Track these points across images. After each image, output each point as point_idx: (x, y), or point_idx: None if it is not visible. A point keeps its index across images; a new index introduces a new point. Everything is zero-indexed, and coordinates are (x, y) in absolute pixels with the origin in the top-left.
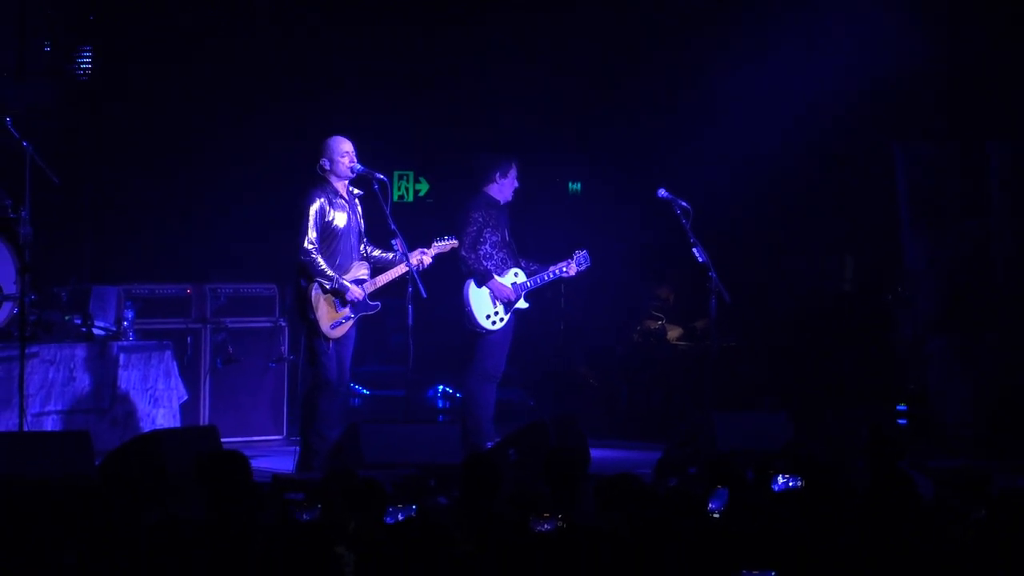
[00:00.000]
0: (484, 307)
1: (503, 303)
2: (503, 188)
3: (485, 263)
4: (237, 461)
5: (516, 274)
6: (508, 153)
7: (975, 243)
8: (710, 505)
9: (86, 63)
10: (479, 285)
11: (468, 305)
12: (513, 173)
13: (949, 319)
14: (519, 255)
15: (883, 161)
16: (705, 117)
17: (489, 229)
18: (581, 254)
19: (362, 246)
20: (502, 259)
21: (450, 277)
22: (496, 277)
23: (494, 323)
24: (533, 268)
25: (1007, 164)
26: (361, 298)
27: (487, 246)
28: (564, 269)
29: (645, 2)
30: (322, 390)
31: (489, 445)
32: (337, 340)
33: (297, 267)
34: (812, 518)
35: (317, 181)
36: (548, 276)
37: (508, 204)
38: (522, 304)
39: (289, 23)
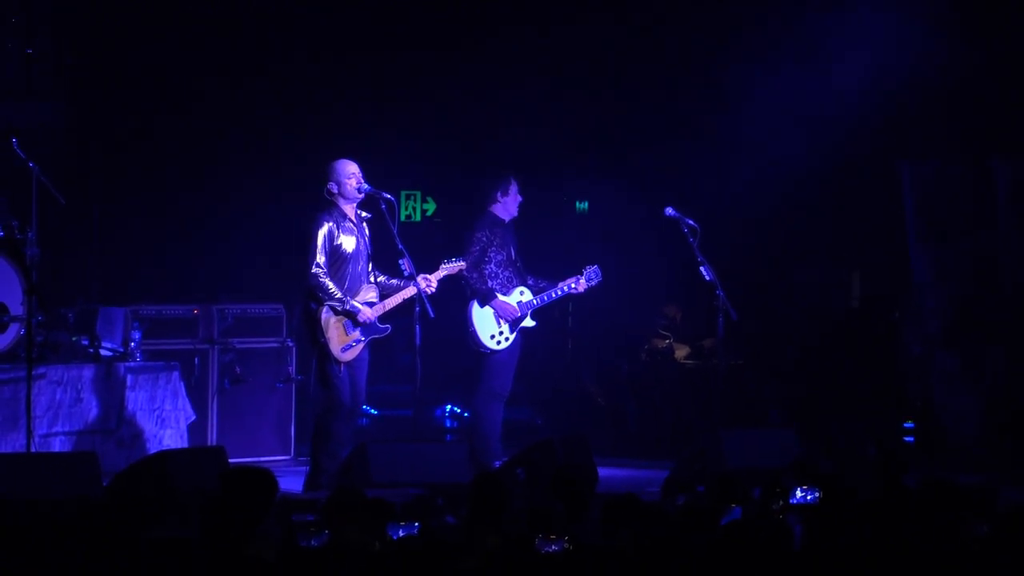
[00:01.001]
0: (488, 327)
1: (508, 322)
2: (507, 205)
3: (489, 282)
4: (266, 478)
5: (522, 292)
6: (506, 170)
7: (981, 259)
8: (722, 522)
9: (92, 83)
10: (482, 305)
11: (472, 325)
12: (514, 189)
13: (956, 334)
14: (527, 273)
15: (889, 178)
16: (712, 136)
17: (494, 248)
18: (592, 269)
19: (370, 269)
20: (507, 278)
21: (458, 297)
22: (500, 296)
23: (499, 343)
24: (541, 285)
25: (1013, 180)
26: (372, 319)
27: (492, 265)
28: (573, 285)
29: (651, 23)
30: (335, 413)
31: (497, 464)
32: (349, 363)
33: (306, 290)
34: (820, 532)
35: (325, 205)
36: (557, 293)
37: (514, 221)
38: (529, 322)
39: (298, 45)
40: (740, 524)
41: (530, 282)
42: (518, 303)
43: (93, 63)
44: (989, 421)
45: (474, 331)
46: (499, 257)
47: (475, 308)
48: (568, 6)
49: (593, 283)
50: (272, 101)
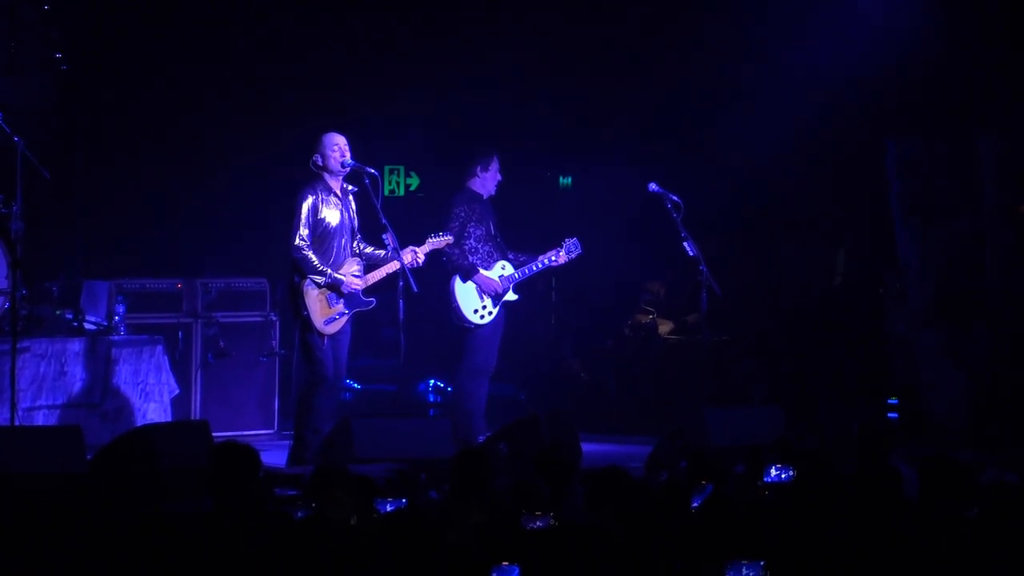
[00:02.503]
0: (471, 301)
1: (490, 296)
2: (485, 182)
3: (470, 257)
4: (250, 454)
5: (503, 267)
6: (488, 147)
7: (966, 238)
8: (693, 501)
9: (77, 58)
10: (464, 280)
11: (454, 300)
12: (495, 166)
13: (940, 313)
14: (508, 248)
15: (874, 155)
16: (695, 112)
17: (473, 223)
18: (571, 241)
19: (355, 243)
20: (487, 252)
21: (442, 272)
22: (482, 271)
23: (482, 317)
24: (522, 259)
25: (998, 159)
26: (357, 289)
27: (471, 240)
28: (554, 258)
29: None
30: (318, 386)
31: (480, 439)
32: (332, 336)
33: (290, 264)
34: (802, 510)
35: (310, 178)
36: (538, 266)
37: (492, 198)
38: (511, 296)
39: (279, 20)
40: (723, 500)
41: (511, 256)
42: (500, 277)
43: (78, 39)
44: (973, 400)
45: (457, 306)
46: (478, 232)
47: (457, 283)
48: None
49: (573, 255)
50: (256, 76)
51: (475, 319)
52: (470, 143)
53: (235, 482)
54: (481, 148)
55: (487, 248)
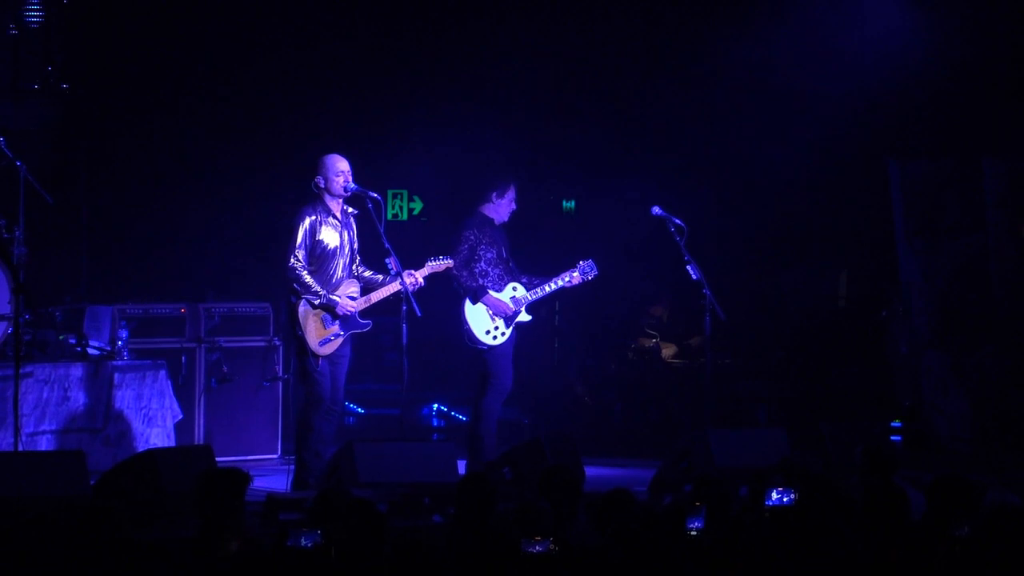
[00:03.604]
0: (482, 323)
1: (502, 318)
2: (499, 208)
3: (480, 280)
4: (233, 478)
5: (515, 288)
6: (507, 175)
7: (970, 259)
8: (689, 524)
9: (80, 83)
10: (474, 302)
11: (466, 323)
12: (511, 195)
13: (944, 334)
14: (520, 272)
15: (878, 177)
16: (700, 136)
17: (484, 246)
18: (586, 263)
19: (355, 265)
20: (498, 275)
21: (446, 296)
22: (491, 292)
23: (495, 338)
24: (536, 282)
25: (1002, 180)
26: (352, 312)
27: (482, 263)
28: (567, 279)
29: (637, 22)
30: (315, 408)
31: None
32: (330, 358)
33: (287, 285)
34: (806, 532)
35: (310, 198)
36: (551, 286)
37: (504, 225)
38: (524, 317)
39: (285, 44)
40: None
41: (523, 280)
42: (511, 299)
43: (81, 63)
44: (976, 420)
45: (468, 328)
46: (489, 255)
47: (467, 306)
48: (555, 5)
49: (588, 276)
50: (260, 100)
51: (488, 340)
52: (473, 167)
53: (218, 506)
54: (500, 175)
55: (498, 271)
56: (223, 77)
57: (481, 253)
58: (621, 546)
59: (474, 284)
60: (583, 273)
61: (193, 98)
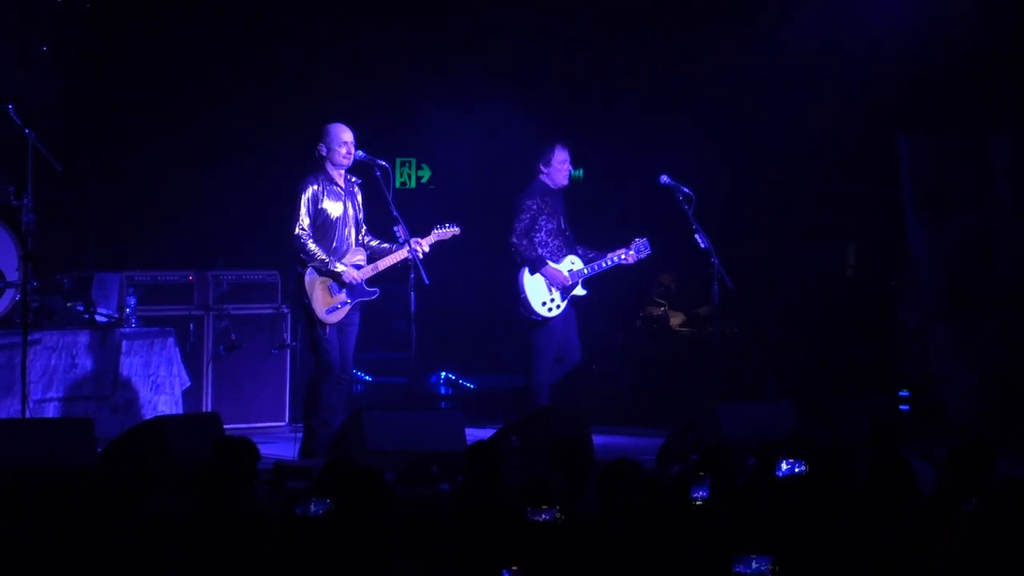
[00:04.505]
0: (540, 294)
1: (559, 289)
2: (552, 174)
3: (540, 250)
4: (246, 448)
5: (572, 261)
6: (549, 139)
7: (978, 232)
8: (694, 493)
9: (89, 52)
10: (532, 272)
11: (523, 292)
12: (557, 157)
13: (952, 307)
14: (576, 243)
15: (887, 151)
16: (708, 105)
17: (544, 216)
18: (641, 241)
19: (361, 235)
20: (557, 247)
21: (455, 264)
22: (550, 263)
23: (550, 309)
24: (591, 255)
25: (1010, 155)
26: (358, 280)
27: (542, 234)
28: (623, 256)
29: None
30: (324, 376)
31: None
32: (338, 327)
33: (294, 254)
34: (814, 505)
35: (313, 167)
36: (606, 263)
37: (563, 189)
38: (580, 291)
39: (291, 11)
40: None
41: (579, 251)
42: (569, 271)
43: (90, 32)
44: (984, 393)
45: (526, 298)
46: (549, 226)
47: (526, 275)
48: None
49: (642, 254)
50: (267, 67)
51: (543, 311)
52: (481, 135)
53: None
54: (544, 142)
55: (557, 243)
56: (231, 46)
57: (542, 223)
58: (625, 516)
59: (533, 254)
60: (637, 251)
61: (201, 66)
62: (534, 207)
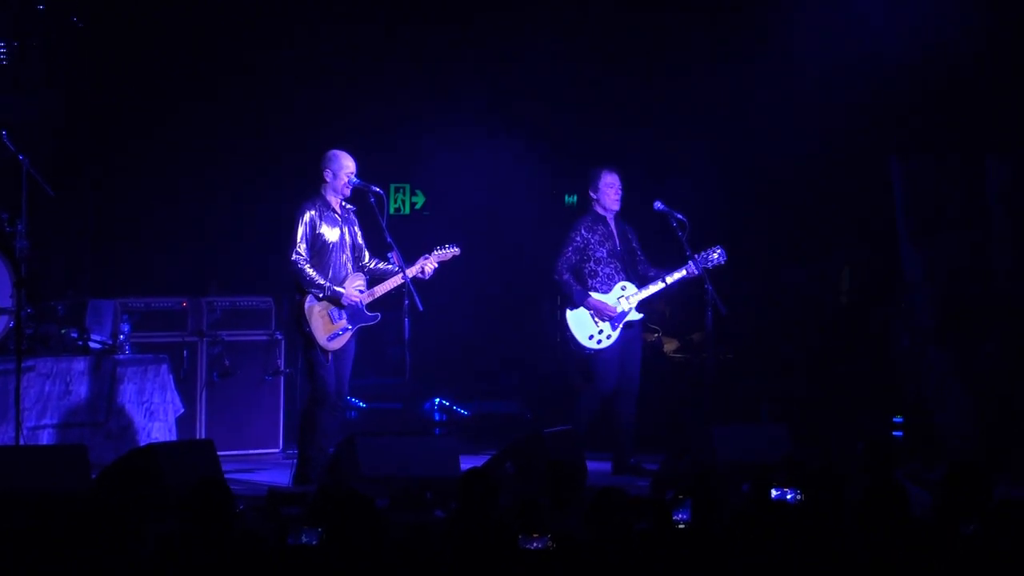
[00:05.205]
0: (586, 328)
1: (606, 320)
2: (601, 199)
3: (589, 280)
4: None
5: (624, 287)
6: (594, 167)
7: (973, 255)
8: (675, 515)
9: (82, 76)
10: (573, 308)
11: (568, 330)
12: (604, 182)
13: (947, 331)
14: (643, 262)
15: (881, 173)
16: (702, 129)
17: (595, 244)
18: (706, 253)
19: (366, 259)
20: (608, 275)
21: (447, 291)
22: (593, 295)
23: (599, 341)
24: (652, 274)
25: (1005, 177)
26: (357, 301)
27: (591, 263)
28: (689, 270)
29: (640, 16)
30: (320, 403)
31: (633, 461)
32: (335, 353)
33: (292, 281)
34: (808, 528)
35: (311, 193)
36: (665, 282)
37: (619, 212)
38: (634, 315)
39: (287, 38)
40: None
41: (651, 274)
42: (618, 298)
43: (84, 57)
44: (980, 416)
45: (571, 335)
46: (600, 253)
47: (568, 313)
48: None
49: (711, 264)
50: (262, 94)
51: (591, 344)
52: (475, 161)
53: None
54: (592, 168)
55: (608, 270)
56: (225, 71)
57: (591, 252)
58: (618, 541)
59: (569, 291)
60: (698, 264)
61: (196, 91)
62: (578, 239)
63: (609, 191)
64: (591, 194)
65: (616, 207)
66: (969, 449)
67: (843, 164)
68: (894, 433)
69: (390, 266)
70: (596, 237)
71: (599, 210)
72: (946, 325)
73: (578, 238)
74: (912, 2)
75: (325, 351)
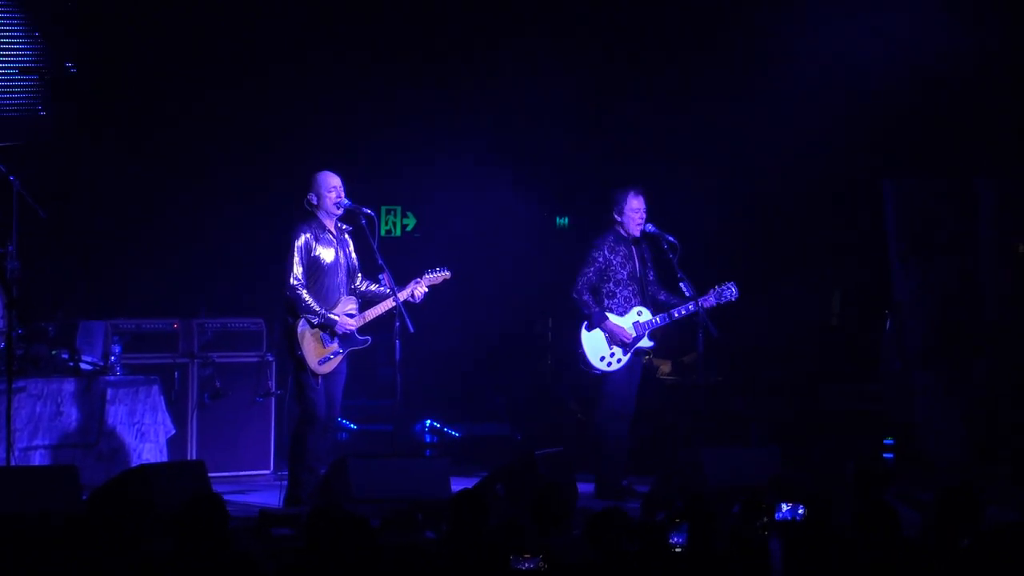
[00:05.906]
0: (598, 349)
1: (619, 345)
2: (626, 222)
3: (606, 301)
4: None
5: (640, 312)
6: (621, 188)
7: (962, 277)
8: (671, 539)
9: (74, 98)
10: (589, 328)
11: (580, 347)
12: (630, 204)
13: (936, 352)
14: (660, 288)
15: (872, 196)
16: (693, 152)
17: (616, 266)
18: (722, 288)
19: (358, 280)
20: (626, 297)
21: (437, 313)
22: (611, 317)
23: (609, 364)
24: (673, 302)
25: (994, 200)
26: (351, 329)
27: (610, 284)
28: (702, 303)
29: (632, 38)
30: (310, 425)
31: (624, 483)
32: (326, 376)
33: (285, 303)
34: (798, 549)
35: (305, 216)
36: (681, 312)
37: (644, 234)
38: (645, 343)
39: (279, 62)
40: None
41: (661, 298)
42: (634, 324)
43: (75, 78)
44: (969, 439)
45: (583, 353)
46: (620, 275)
47: (583, 331)
48: (551, 24)
49: (724, 300)
50: (254, 116)
51: (601, 366)
52: (466, 182)
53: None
54: (615, 191)
55: (627, 292)
56: (217, 92)
57: (611, 274)
58: (614, 563)
59: (589, 311)
60: (717, 297)
61: (187, 115)
62: (600, 258)
63: (635, 216)
64: (615, 216)
65: (637, 233)
66: (959, 471)
67: (835, 187)
68: (885, 455)
69: (381, 288)
70: (618, 259)
71: (622, 232)
72: (936, 347)
73: (600, 258)
74: (904, 28)
75: (316, 374)
